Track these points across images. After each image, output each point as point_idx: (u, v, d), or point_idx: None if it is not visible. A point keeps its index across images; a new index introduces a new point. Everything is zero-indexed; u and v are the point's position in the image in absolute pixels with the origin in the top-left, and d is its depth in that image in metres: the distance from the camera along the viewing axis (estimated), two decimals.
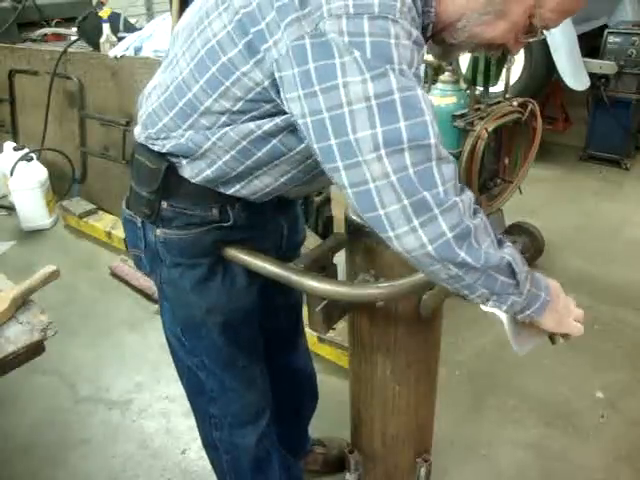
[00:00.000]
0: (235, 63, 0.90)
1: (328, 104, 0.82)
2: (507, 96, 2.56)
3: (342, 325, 1.31)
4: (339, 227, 1.30)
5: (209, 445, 1.46)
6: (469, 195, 0.88)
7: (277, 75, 0.86)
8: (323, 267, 1.23)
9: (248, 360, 1.31)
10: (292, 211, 1.33)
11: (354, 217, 1.20)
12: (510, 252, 0.92)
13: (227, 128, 0.98)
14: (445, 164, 0.84)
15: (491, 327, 2.46)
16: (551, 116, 4.50)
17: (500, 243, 0.92)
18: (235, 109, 0.95)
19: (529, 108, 2.50)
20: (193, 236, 1.11)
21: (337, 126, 0.82)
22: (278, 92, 0.89)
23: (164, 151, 1.05)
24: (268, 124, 0.96)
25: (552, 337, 1.09)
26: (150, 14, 6.96)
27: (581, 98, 4.24)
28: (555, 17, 0.93)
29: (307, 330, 1.40)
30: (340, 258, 1.28)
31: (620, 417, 2.09)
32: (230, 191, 1.08)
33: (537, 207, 3.47)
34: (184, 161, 1.05)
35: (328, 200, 2.65)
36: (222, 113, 0.97)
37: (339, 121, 0.82)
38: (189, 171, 1.06)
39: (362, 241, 1.19)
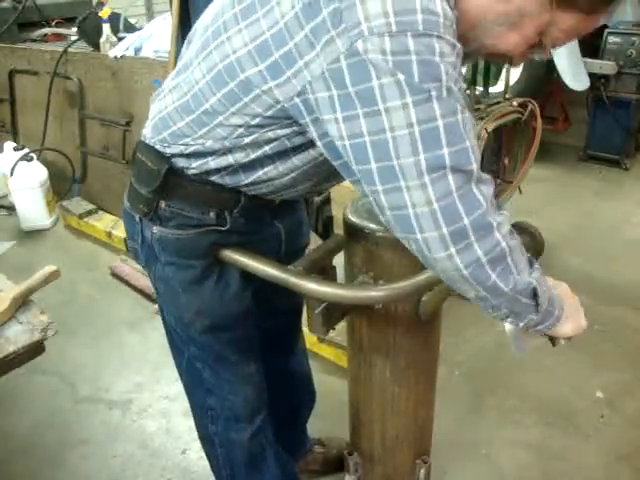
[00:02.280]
0: (253, 82, 0.88)
1: (369, 128, 0.80)
2: (507, 96, 2.56)
3: (342, 325, 1.30)
4: (339, 227, 1.30)
5: (205, 439, 1.47)
6: (505, 215, 0.89)
7: (311, 97, 0.83)
8: (322, 269, 1.23)
9: (239, 357, 1.31)
10: (293, 216, 1.32)
11: (352, 218, 1.20)
12: (537, 276, 0.94)
13: (244, 138, 0.97)
14: (483, 184, 0.85)
15: (491, 327, 2.46)
16: (551, 116, 4.49)
17: (530, 264, 0.94)
18: (253, 123, 0.94)
19: (529, 108, 2.49)
20: (189, 236, 1.11)
21: (379, 150, 0.81)
22: (301, 112, 0.87)
23: (171, 153, 1.05)
24: (293, 137, 0.96)
25: (552, 339, 1.09)
26: (150, 14, 6.95)
27: (581, 98, 4.23)
28: (564, 37, 0.92)
29: (306, 330, 1.39)
30: (339, 259, 1.28)
31: (620, 417, 2.09)
32: (237, 182, 1.06)
33: (537, 207, 3.47)
34: (192, 159, 1.04)
35: (328, 200, 2.65)
36: (240, 126, 0.95)
37: (381, 146, 0.80)
38: (194, 166, 1.05)
39: (361, 243, 1.18)
